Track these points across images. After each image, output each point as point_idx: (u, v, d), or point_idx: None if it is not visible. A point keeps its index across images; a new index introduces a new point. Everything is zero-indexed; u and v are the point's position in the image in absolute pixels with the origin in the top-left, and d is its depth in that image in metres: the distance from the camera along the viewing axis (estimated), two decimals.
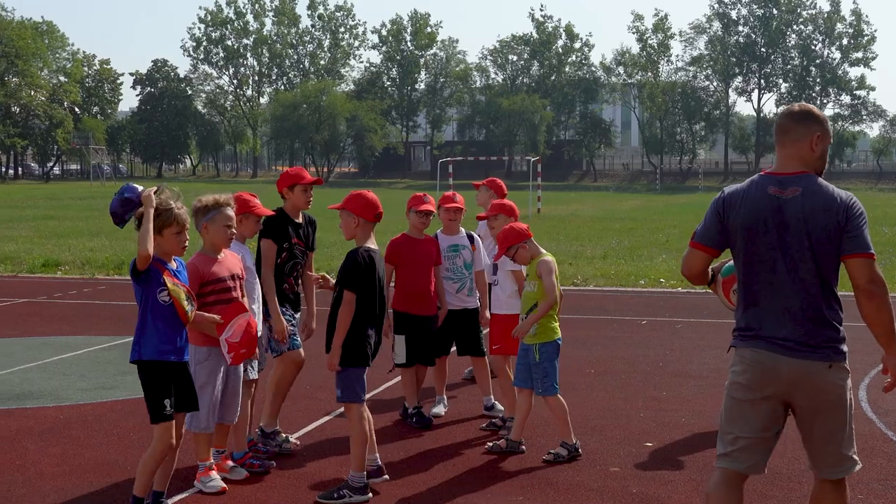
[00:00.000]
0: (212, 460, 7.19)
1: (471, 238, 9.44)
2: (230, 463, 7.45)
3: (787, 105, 5.27)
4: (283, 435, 8.33)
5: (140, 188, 6.35)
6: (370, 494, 6.97)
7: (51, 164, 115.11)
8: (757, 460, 5.15)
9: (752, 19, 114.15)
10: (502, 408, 9.25)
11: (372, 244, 7.05)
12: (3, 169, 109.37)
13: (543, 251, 8.10)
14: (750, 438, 5.10)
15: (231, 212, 7.08)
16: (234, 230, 7.09)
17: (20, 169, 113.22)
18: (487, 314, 9.37)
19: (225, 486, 7.12)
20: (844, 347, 5.05)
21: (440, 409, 9.43)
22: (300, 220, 8.26)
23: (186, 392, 6.43)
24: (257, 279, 7.80)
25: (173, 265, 6.39)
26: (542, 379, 7.92)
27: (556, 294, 7.88)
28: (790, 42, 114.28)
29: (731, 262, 5.44)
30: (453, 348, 9.50)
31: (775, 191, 5.02)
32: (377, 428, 8.80)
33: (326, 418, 9.20)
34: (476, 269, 9.39)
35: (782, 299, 5.01)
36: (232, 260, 7.17)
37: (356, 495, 6.88)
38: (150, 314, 6.24)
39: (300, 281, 8.29)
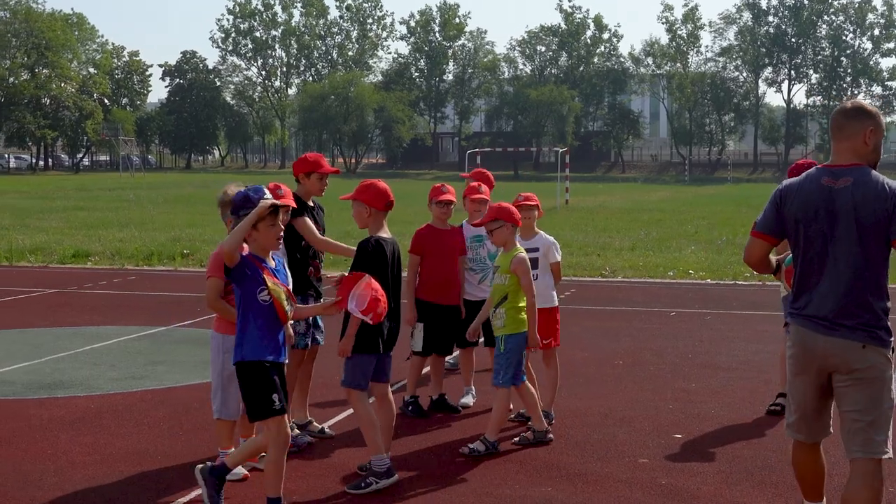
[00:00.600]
0: (232, 448, 7.19)
1: None
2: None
3: (840, 102, 5.50)
4: (317, 425, 8.37)
5: (267, 193, 6.34)
6: (396, 475, 6.99)
7: (80, 155, 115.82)
8: (816, 428, 5.58)
9: (782, 9, 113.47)
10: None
11: (384, 233, 7.08)
12: (34, 160, 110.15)
13: (519, 246, 8.03)
14: (802, 409, 5.54)
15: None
16: None
17: (50, 160, 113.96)
18: None
19: (247, 473, 7.15)
20: (883, 335, 5.23)
21: (469, 400, 9.43)
22: (312, 204, 8.29)
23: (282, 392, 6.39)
24: (289, 274, 7.78)
25: (272, 263, 6.35)
26: (504, 369, 7.88)
27: (534, 293, 7.91)
28: (821, 32, 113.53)
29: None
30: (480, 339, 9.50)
31: (828, 181, 5.31)
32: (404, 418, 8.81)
33: None
34: None
35: (829, 282, 5.27)
36: None
37: (383, 479, 6.90)
38: (252, 313, 6.18)
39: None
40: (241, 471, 7.10)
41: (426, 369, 9.42)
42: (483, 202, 9.31)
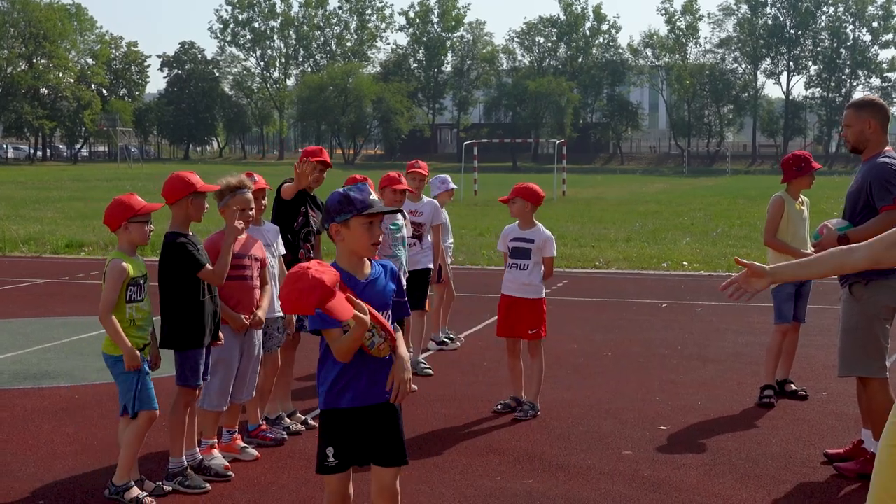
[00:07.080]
0: (214, 439, 7.16)
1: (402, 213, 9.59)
2: (240, 443, 7.43)
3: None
4: (301, 416, 8.32)
5: (373, 194, 5.10)
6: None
7: (79, 145, 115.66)
8: None
9: (780, 1, 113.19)
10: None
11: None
12: (32, 150, 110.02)
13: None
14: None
15: (247, 195, 7.12)
16: (248, 213, 7.10)
17: (48, 150, 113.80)
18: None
19: (227, 463, 7.11)
20: None
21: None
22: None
23: None
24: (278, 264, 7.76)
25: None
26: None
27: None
28: (820, 24, 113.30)
29: (838, 223, 7.02)
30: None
31: None
32: None
33: None
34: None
35: None
36: (250, 242, 7.20)
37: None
38: None
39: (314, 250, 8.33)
40: (220, 461, 7.06)
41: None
42: (404, 193, 9.52)
